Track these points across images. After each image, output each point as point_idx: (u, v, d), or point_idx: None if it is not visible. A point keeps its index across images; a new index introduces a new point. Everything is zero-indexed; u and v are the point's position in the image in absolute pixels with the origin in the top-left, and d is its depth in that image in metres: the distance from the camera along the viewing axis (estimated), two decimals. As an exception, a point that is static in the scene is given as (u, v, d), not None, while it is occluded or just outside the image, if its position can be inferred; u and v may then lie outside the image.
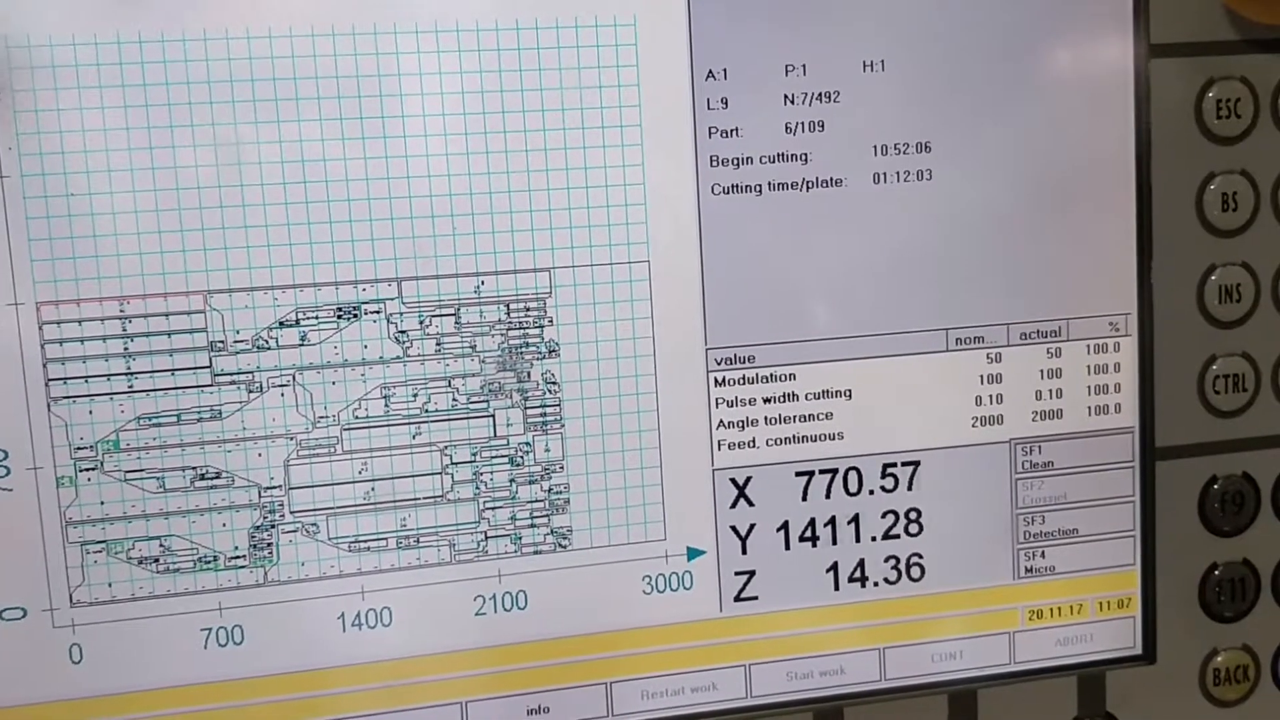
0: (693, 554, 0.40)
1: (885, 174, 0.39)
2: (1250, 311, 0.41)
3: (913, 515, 0.41)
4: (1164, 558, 0.42)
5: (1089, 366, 0.41)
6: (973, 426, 0.41)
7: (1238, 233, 0.41)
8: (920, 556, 0.41)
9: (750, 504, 0.40)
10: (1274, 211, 0.41)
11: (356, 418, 0.37)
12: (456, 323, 0.38)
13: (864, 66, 0.39)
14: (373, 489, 0.38)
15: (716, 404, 0.39)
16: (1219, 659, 0.43)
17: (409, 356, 0.37)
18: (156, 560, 0.37)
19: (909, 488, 0.41)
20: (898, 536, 0.41)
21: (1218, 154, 0.41)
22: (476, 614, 0.39)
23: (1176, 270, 0.41)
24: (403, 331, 0.37)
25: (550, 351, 0.38)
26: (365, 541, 0.38)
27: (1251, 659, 0.43)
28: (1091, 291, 0.41)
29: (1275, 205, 0.41)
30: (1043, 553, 0.42)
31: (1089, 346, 0.41)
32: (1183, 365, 0.42)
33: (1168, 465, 0.42)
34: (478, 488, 0.38)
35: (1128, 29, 0.40)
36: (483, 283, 0.38)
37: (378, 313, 0.37)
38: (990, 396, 0.41)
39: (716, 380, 0.39)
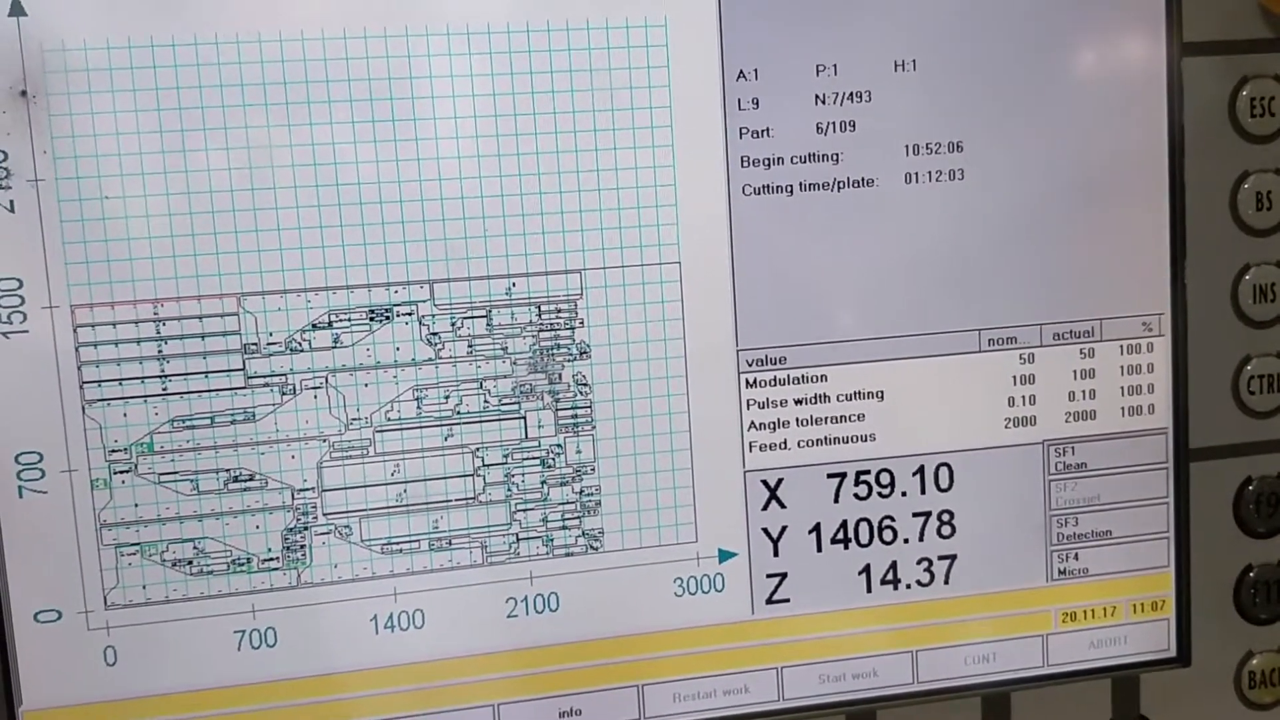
0: (724, 556, 0.40)
1: (917, 174, 0.39)
2: (1285, 311, 0.41)
3: (945, 517, 0.41)
4: (1198, 559, 0.42)
5: (1122, 367, 0.41)
6: (1005, 427, 0.41)
7: (1272, 232, 0.41)
8: (953, 558, 0.41)
9: (782, 506, 0.40)
10: (1309, 210, 0.41)
11: (389, 420, 0.37)
12: (488, 324, 0.38)
13: (895, 66, 0.39)
14: (405, 491, 0.38)
15: (748, 405, 0.39)
16: (1254, 662, 0.43)
17: (441, 358, 0.37)
18: (190, 562, 0.37)
19: (941, 489, 0.40)
20: (930, 538, 0.41)
21: (1252, 153, 0.40)
22: (508, 616, 0.39)
23: (1210, 270, 0.41)
24: (435, 333, 0.37)
25: (581, 353, 0.38)
26: (398, 543, 0.38)
27: (1287, 662, 0.43)
28: (1125, 291, 0.41)
29: (1310, 204, 0.41)
30: (1076, 554, 0.41)
31: (1122, 347, 0.41)
32: (1217, 365, 0.41)
33: (1202, 466, 0.42)
34: (509, 489, 0.38)
35: (1160, 27, 0.40)
36: (514, 284, 0.38)
37: (410, 315, 0.37)
38: (1023, 397, 0.40)
39: (748, 381, 0.39)
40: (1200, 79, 0.40)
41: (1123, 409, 0.41)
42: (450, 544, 0.38)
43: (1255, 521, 0.42)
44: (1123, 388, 0.41)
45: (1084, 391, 0.41)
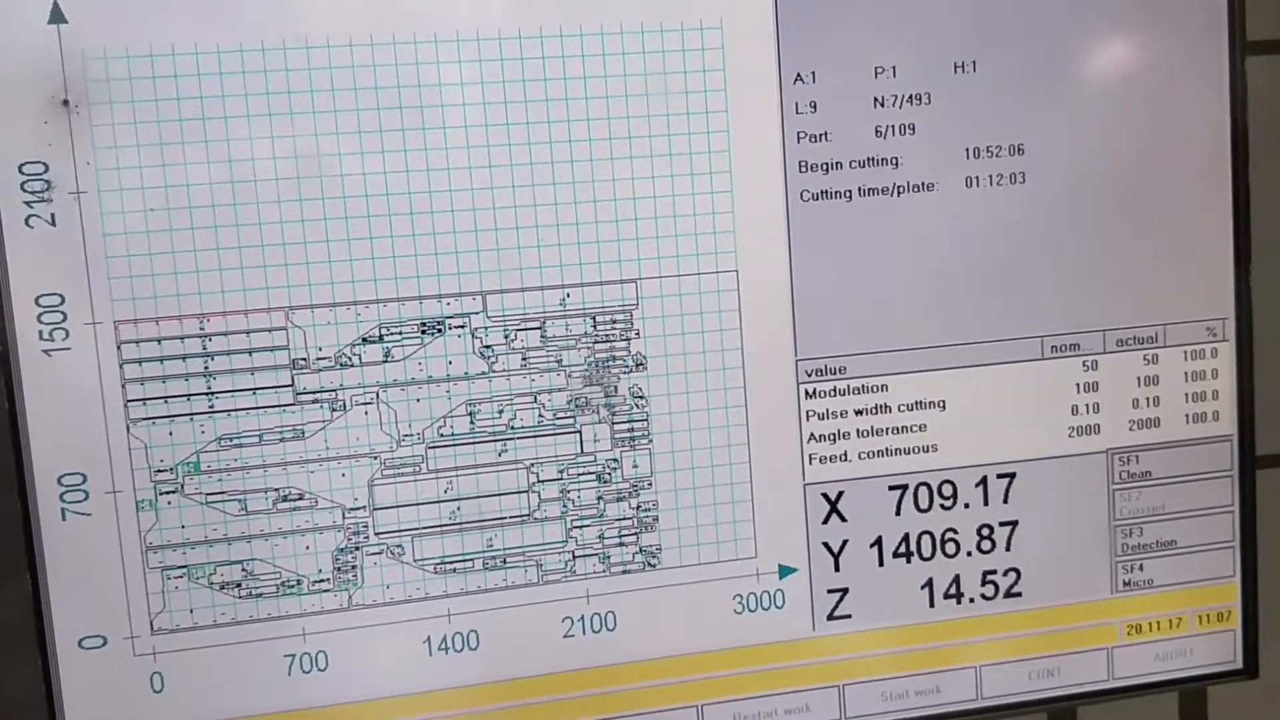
0: (784, 572, 0.39)
1: (978, 177, 0.38)
2: (1354, 314, 0.40)
3: (1009, 529, 0.40)
4: (1265, 569, 0.41)
5: (1186, 373, 0.40)
6: (1069, 436, 0.40)
7: (1338, 234, 0.40)
8: (1017, 571, 0.40)
9: (843, 519, 0.39)
10: (1374, 211, 0.40)
11: (441, 435, 0.36)
12: (542, 336, 0.37)
13: (955, 68, 0.38)
14: (458, 508, 0.37)
15: (807, 416, 0.38)
16: (1322, 673, 0.42)
17: (494, 372, 0.36)
18: (239, 585, 0.36)
19: (1005, 500, 0.39)
20: (993, 551, 0.40)
21: (1317, 153, 0.40)
22: (565, 636, 0.38)
23: (1275, 273, 0.40)
24: (488, 346, 0.36)
25: (638, 364, 0.37)
26: (451, 563, 0.37)
27: (1356, 672, 0.42)
28: (1188, 296, 0.40)
29: (1375, 205, 0.40)
30: (1141, 565, 0.40)
31: (1186, 353, 0.40)
32: (1282, 371, 0.40)
33: (1268, 474, 0.41)
34: (565, 506, 0.37)
35: (1223, 26, 0.39)
36: (568, 295, 0.37)
37: (462, 327, 0.36)
38: (1087, 405, 0.40)
39: (807, 392, 0.38)
40: (1264, 78, 0.39)
41: (1187, 416, 0.40)
42: (505, 563, 0.37)
43: (1322, 529, 0.41)
44: (1187, 394, 0.40)
45: (1148, 399, 0.40)
